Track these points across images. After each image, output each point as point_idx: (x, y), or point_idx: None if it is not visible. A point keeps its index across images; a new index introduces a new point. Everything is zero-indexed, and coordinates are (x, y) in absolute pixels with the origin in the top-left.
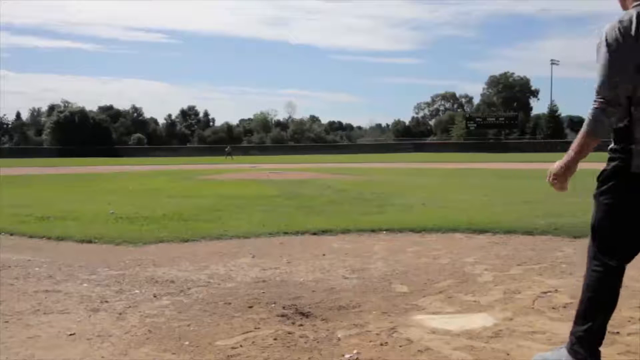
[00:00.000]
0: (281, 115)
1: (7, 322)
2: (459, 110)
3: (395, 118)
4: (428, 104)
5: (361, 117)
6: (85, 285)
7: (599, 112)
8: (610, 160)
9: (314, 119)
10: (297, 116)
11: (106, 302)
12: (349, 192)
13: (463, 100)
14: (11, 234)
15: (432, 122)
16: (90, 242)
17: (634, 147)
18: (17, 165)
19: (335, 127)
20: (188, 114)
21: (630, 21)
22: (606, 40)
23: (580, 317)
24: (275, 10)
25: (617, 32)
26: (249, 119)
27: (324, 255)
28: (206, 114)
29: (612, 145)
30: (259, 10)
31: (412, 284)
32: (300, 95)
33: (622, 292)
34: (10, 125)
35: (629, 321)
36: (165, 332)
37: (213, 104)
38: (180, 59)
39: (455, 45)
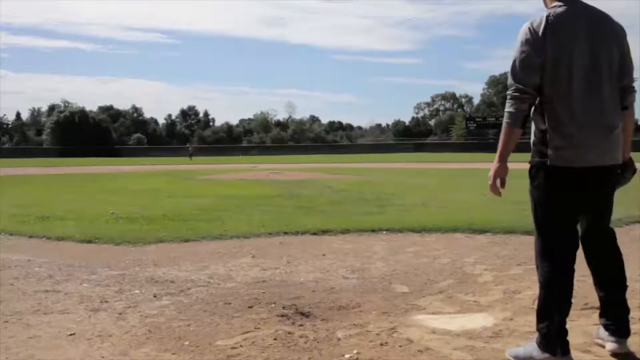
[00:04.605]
0: (281, 115)
1: (7, 322)
2: (459, 110)
3: (395, 118)
4: (428, 104)
5: (361, 117)
6: (85, 285)
7: (514, 102)
8: (532, 156)
9: (314, 119)
10: (297, 116)
11: (106, 302)
12: (349, 192)
13: (463, 100)
14: (11, 234)
15: (432, 122)
16: (90, 242)
17: (550, 144)
18: (17, 165)
19: (335, 127)
20: (188, 114)
21: (540, 22)
22: (520, 38)
23: (541, 314)
24: (275, 10)
25: (528, 31)
26: (249, 119)
27: (324, 255)
28: (206, 114)
29: (532, 141)
30: (259, 10)
31: (412, 284)
32: (300, 95)
33: None
34: (10, 125)
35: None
36: (165, 332)
37: (213, 104)
38: (179, 59)
39: (454, 45)
